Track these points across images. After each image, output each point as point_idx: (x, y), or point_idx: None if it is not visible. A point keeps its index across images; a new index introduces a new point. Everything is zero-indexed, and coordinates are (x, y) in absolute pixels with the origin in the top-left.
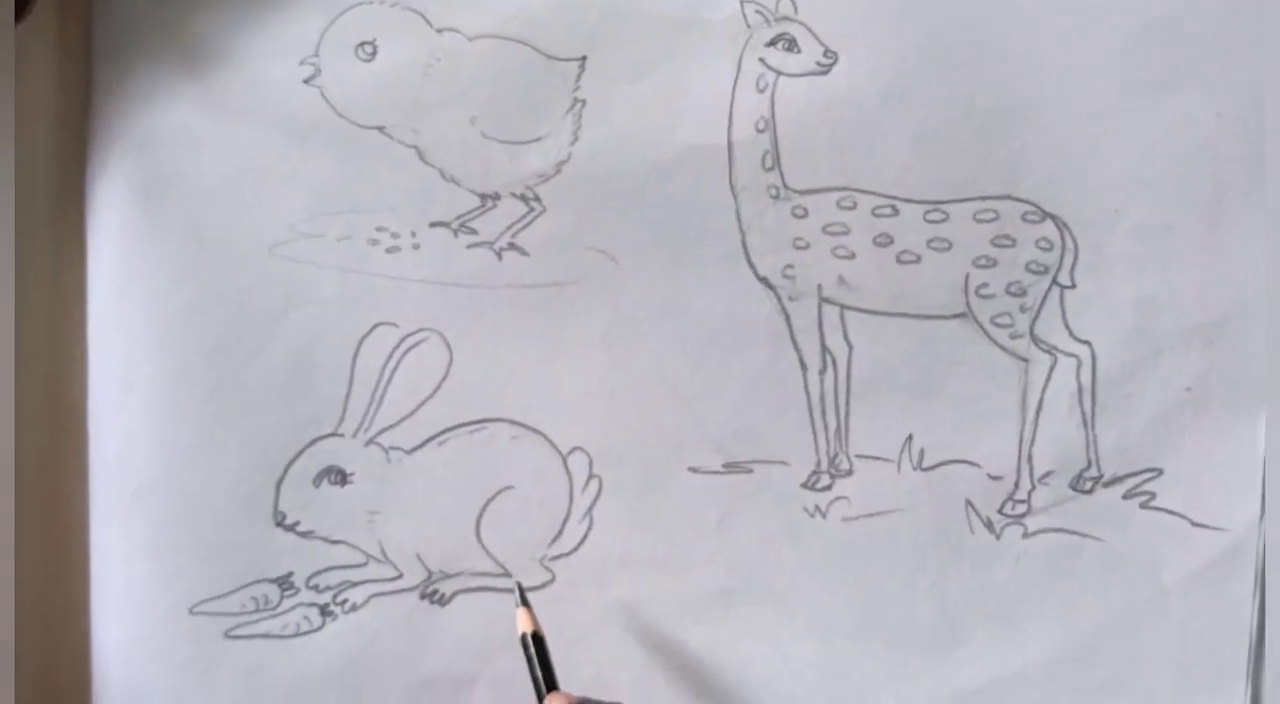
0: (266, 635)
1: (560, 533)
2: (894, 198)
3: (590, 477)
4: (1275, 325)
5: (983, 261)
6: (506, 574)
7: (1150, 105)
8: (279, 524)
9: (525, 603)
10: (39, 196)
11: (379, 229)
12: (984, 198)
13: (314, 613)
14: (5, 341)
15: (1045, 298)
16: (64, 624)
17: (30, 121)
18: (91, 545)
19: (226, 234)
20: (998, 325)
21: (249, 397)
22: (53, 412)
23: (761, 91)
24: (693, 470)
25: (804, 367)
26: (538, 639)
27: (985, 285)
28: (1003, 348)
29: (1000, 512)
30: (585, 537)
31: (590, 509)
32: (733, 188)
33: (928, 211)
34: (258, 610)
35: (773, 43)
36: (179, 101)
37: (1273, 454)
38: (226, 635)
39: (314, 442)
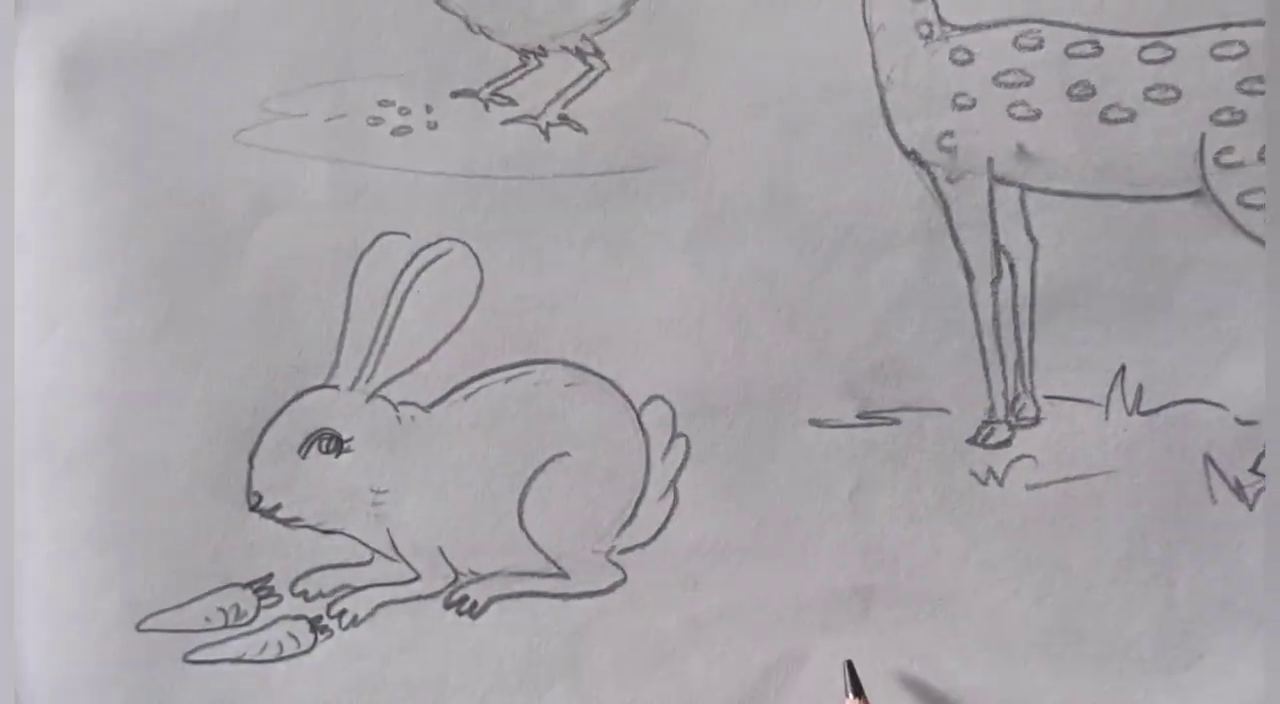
0: (239, 659)
1: (633, 516)
2: (1096, 30)
3: (674, 436)
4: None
5: (1225, 116)
6: (561, 574)
7: None
8: (254, 508)
9: (859, 692)
10: None
11: (382, 103)
12: (1227, 24)
13: (302, 629)
14: None
15: None
16: None
17: None
18: (14, 534)
19: (178, 115)
20: (1248, 206)
21: (211, 335)
22: None
23: None
24: (815, 424)
25: (969, 275)
26: None
27: (1229, 151)
28: (1255, 240)
29: (1254, 471)
30: (667, 519)
31: (674, 481)
32: (867, 25)
33: (1145, 47)
34: (227, 626)
35: None
36: None
37: None
38: (186, 659)
39: (298, 396)
